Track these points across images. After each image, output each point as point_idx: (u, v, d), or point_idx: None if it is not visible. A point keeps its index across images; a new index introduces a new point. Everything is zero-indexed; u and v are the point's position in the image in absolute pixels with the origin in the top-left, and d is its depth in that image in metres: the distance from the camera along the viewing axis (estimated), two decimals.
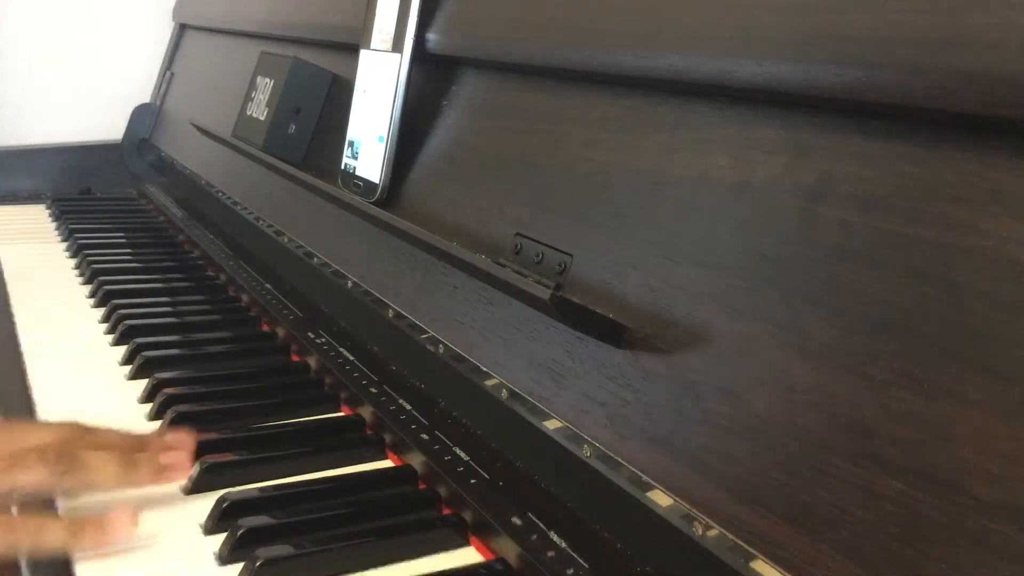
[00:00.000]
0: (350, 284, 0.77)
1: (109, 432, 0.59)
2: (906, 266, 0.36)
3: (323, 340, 0.80)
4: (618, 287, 0.49)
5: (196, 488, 0.58)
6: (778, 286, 0.41)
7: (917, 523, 0.33)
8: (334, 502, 0.57)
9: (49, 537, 0.51)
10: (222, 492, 0.56)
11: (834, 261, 0.39)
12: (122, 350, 0.80)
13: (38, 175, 1.44)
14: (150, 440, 0.60)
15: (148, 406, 0.70)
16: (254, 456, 0.62)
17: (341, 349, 0.78)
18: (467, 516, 0.55)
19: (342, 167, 0.76)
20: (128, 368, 0.77)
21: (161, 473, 0.57)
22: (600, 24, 0.53)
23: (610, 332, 0.47)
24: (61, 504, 0.56)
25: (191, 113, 1.27)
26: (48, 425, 0.58)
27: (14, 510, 0.53)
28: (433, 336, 0.63)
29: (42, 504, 0.56)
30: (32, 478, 0.53)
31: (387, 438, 0.65)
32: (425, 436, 0.63)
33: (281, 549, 0.50)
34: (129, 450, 0.57)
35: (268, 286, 0.95)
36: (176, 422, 0.66)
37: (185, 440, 0.60)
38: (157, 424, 0.67)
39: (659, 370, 0.45)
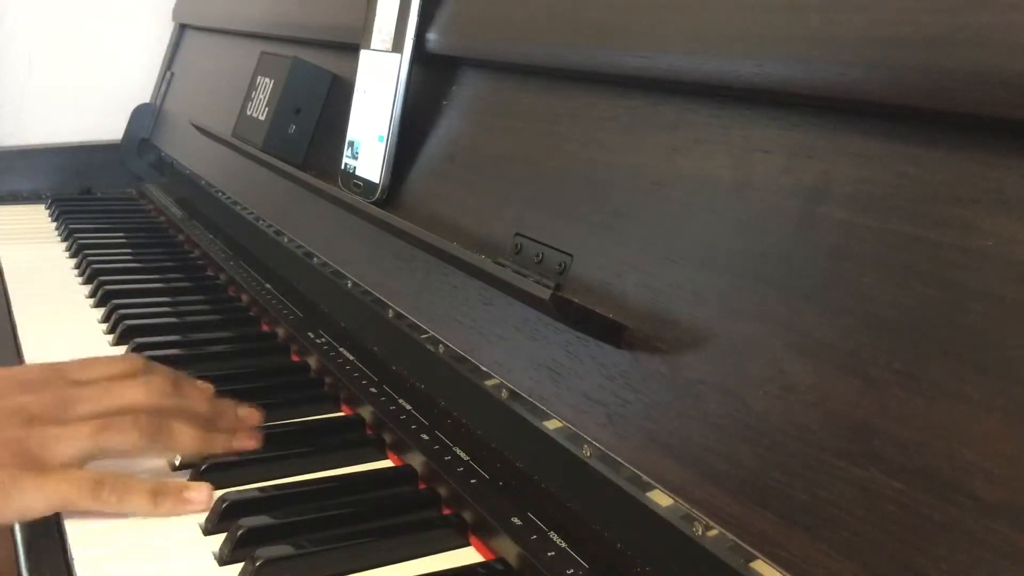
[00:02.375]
0: (350, 284, 0.77)
1: (193, 392, 0.62)
2: (906, 266, 0.36)
3: (323, 340, 0.80)
4: (618, 287, 0.49)
5: None
6: (778, 286, 0.41)
7: (917, 523, 0.33)
8: (334, 502, 0.57)
9: (132, 500, 0.54)
10: (222, 492, 0.56)
11: (834, 261, 0.39)
12: (122, 350, 0.80)
13: (38, 175, 1.44)
14: (225, 409, 0.63)
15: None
16: (254, 456, 0.62)
17: (341, 349, 0.78)
18: (467, 516, 0.55)
19: (342, 167, 0.76)
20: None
21: (232, 447, 0.60)
22: (600, 24, 0.53)
23: (610, 332, 0.47)
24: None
25: (191, 113, 1.27)
26: (143, 380, 0.60)
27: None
28: (433, 336, 0.63)
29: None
30: (123, 443, 0.55)
31: (387, 438, 0.65)
32: (425, 436, 0.63)
33: (281, 549, 0.50)
34: (209, 417, 0.61)
35: (268, 286, 0.95)
36: None
37: (255, 416, 0.64)
38: None
39: (659, 370, 0.45)
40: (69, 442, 0.54)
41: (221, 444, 0.60)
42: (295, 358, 0.82)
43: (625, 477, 0.47)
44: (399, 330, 0.69)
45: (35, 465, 0.52)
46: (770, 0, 0.43)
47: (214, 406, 0.63)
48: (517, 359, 0.55)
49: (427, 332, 0.64)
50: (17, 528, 0.55)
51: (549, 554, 0.50)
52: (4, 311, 0.91)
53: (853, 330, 0.37)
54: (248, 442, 0.61)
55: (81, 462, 0.54)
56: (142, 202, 1.43)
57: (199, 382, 0.65)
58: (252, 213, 1.01)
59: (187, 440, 0.58)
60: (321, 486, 0.59)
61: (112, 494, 0.53)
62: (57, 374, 0.59)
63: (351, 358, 0.76)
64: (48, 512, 0.52)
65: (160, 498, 0.54)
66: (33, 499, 0.51)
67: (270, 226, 0.95)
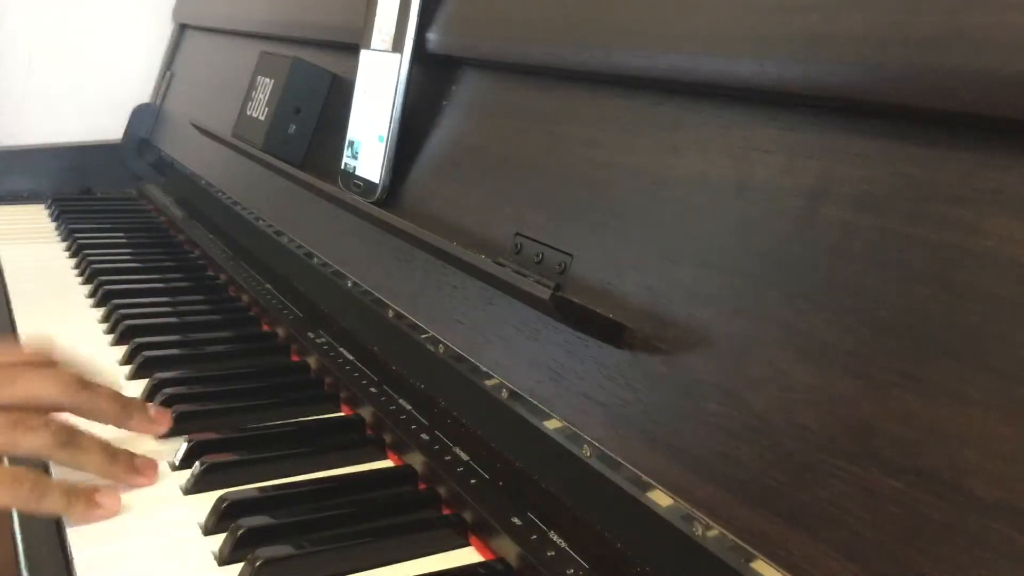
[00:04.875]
0: (350, 284, 0.77)
1: (101, 389, 0.61)
2: (906, 266, 0.36)
3: (323, 340, 0.80)
4: (618, 287, 0.49)
5: (196, 488, 0.58)
6: (778, 286, 0.41)
7: (917, 523, 0.33)
8: (334, 502, 0.57)
9: (49, 499, 0.54)
10: (222, 492, 0.56)
11: (834, 261, 0.39)
12: (122, 350, 0.80)
13: (38, 175, 1.44)
14: (135, 410, 0.63)
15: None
16: (254, 456, 0.62)
17: (341, 349, 0.78)
18: (467, 516, 0.55)
19: (342, 167, 0.76)
20: (128, 368, 0.77)
21: (132, 474, 0.59)
22: (600, 24, 0.53)
23: (610, 332, 0.47)
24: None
25: (191, 113, 1.27)
26: (52, 373, 0.59)
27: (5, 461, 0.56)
28: (433, 336, 0.63)
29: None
30: (33, 444, 0.56)
31: (387, 438, 0.65)
32: (425, 436, 0.63)
33: (281, 549, 0.50)
34: (118, 416, 0.62)
35: (268, 286, 0.95)
36: (176, 422, 0.66)
37: (164, 416, 0.65)
38: None
39: (659, 370, 0.45)
40: None
41: (123, 476, 0.59)
42: (295, 358, 0.82)
43: (625, 477, 0.47)
44: (399, 330, 0.69)
45: None
46: (770, 0, 0.43)
47: (123, 406, 0.63)
48: (517, 359, 0.55)
49: (427, 332, 0.64)
50: (17, 528, 0.55)
51: (549, 554, 0.50)
52: (4, 311, 0.91)
53: (853, 330, 0.37)
54: (148, 470, 0.60)
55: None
56: (142, 202, 1.43)
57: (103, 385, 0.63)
58: (252, 213, 1.01)
59: (94, 458, 0.57)
60: (321, 486, 0.59)
61: (32, 491, 0.54)
62: None
63: (351, 358, 0.76)
64: None
65: (74, 499, 0.55)
66: None
67: (270, 226, 0.95)
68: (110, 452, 0.59)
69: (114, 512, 0.56)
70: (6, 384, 0.57)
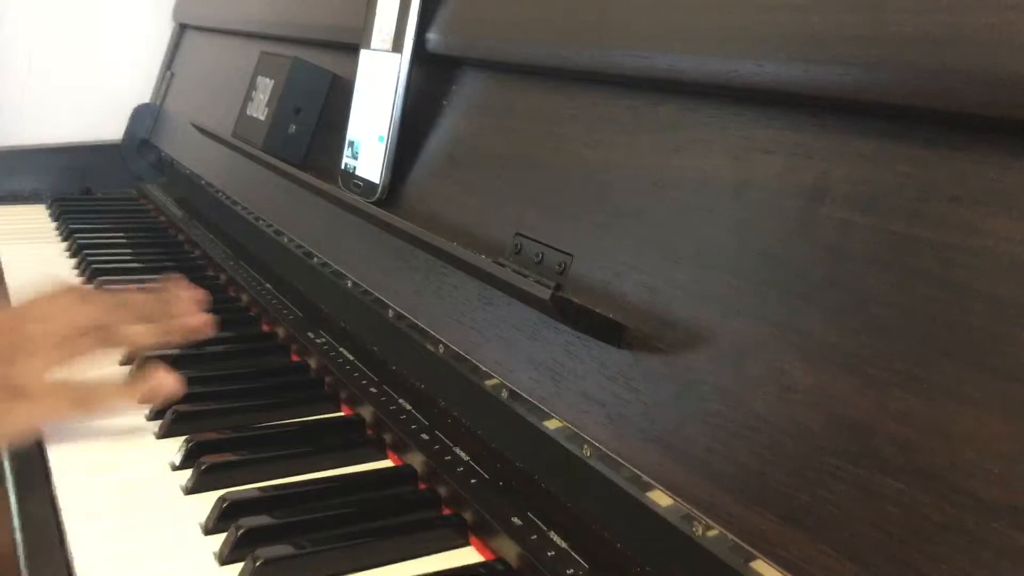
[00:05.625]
0: (350, 284, 0.77)
1: (135, 297, 0.70)
2: (906, 266, 0.36)
3: (323, 340, 0.80)
4: (618, 287, 0.49)
5: (196, 488, 0.58)
6: (778, 286, 0.41)
7: (917, 523, 0.33)
8: (334, 502, 0.57)
9: (113, 396, 0.63)
10: (222, 492, 0.56)
11: (834, 261, 0.39)
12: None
13: (38, 175, 1.44)
14: (170, 297, 0.72)
15: (147, 406, 0.70)
16: (254, 456, 0.62)
17: (341, 349, 0.78)
18: (467, 516, 0.55)
19: (342, 167, 0.76)
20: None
21: (188, 327, 0.70)
22: (600, 24, 0.53)
23: (610, 332, 0.47)
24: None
25: (191, 113, 1.27)
26: (87, 299, 0.69)
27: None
28: (433, 336, 0.63)
29: None
30: (86, 355, 0.65)
31: (387, 438, 0.65)
32: (425, 436, 0.63)
33: (281, 549, 0.50)
34: (158, 311, 0.70)
35: (268, 286, 0.95)
36: (176, 422, 0.66)
37: (199, 294, 0.73)
38: (157, 424, 0.67)
39: (659, 370, 0.45)
40: (42, 369, 0.63)
41: (176, 329, 0.67)
42: (295, 358, 0.82)
43: (625, 477, 0.47)
44: (399, 330, 0.69)
45: (21, 394, 0.61)
46: (770, 0, 0.43)
47: (159, 301, 0.70)
48: (517, 359, 0.55)
49: (427, 332, 0.64)
50: (17, 528, 0.55)
51: (549, 554, 0.50)
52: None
53: (853, 330, 0.37)
54: (198, 320, 0.69)
55: (58, 381, 0.63)
56: (142, 202, 1.43)
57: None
58: (252, 213, 1.01)
59: (142, 335, 0.66)
60: (321, 486, 0.59)
61: (94, 398, 0.62)
62: (16, 319, 0.68)
63: (351, 358, 0.76)
64: (43, 428, 0.62)
65: (137, 384, 0.64)
66: (28, 417, 0.61)
67: (270, 226, 0.95)
68: (156, 327, 0.68)
69: (175, 382, 0.64)
70: (58, 328, 0.64)
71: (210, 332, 0.70)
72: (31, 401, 0.61)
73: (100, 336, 0.66)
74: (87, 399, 0.63)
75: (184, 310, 0.70)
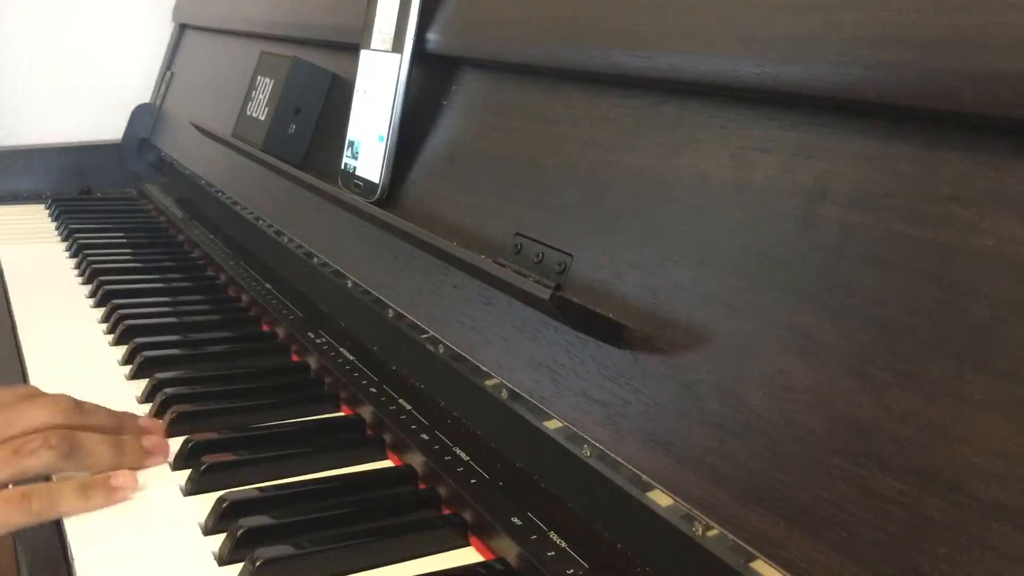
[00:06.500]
0: (350, 284, 0.77)
1: (97, 411, 0.63)
2: (906, 266, 0.36)
3: (323, 340, 0.80)
4: (618, 287, 0.49)
5: (196, 488, 0.58)
6: (778, 286, 0.41)
7: (917, 523, 0.33)
8: (334, 502, 0.57)
9: (64, 502, 0.55)
10: (222, 492, 0.56)
11: (834, 261, 0.39)
12: (122, 350, 0.80)
13: (38, 175, 1.44)
14: (128, 422, 0.64)
15: (148, 406, 0.70)
16: (254, 456, 0.62)
17: (341, 349, 0.78)
18: (467, 516, 0.55)
19: (342, 167, 0.76)
20: (128, 368, 0.77)
21: (145, 457, 0.61)
22: (600, 24, 0.53)
23: (610, 332, 0.47)
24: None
25: (191, 113, 1.27)
26: (42, 401, 0.61)
27: (10, 486, 0.56)
28: (433, 336, 0.63)
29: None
30: (39, 463, 0.56)
31: (387, 438, 0.65)
32: (425, 436, 0.63)
33: (281, 549, 0.50)
34: (114, 431, 0.62)
35: (268, 286, 0.95)
36: (176, 422, 0.66)
37: (157, 424, 0.66)
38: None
39: (659, 370, 0.45)
40: None
41: (134, 457, 0.60)
42: (295, 358, 0.82)
43: (625, 477, 0.47)
44: (399, 330, 0.69)
45: None
46: (770, 0, 0.43)
47: (117, 418, 0.64)
48: (517, 359, 0.55)
49: (427, 332, 0.64)
50: None
51: (549, 554, 0.50)
52: (4, 311, 0.91)
53: (853, 330, 0.37)
54: (160, 447, 0.62)
55: (3, 486, 0.55)
56: (142, 202, 1.43)
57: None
58: (252, 213, 1.01)
59: (101, 452, 0.59)
60: (321, 486, 0.59)
61: (41, 502, 0.54)
62: None
63: (351, 358, 0.76)
64: None
65: (90, 491, 0.56)
66: None
67: (270, 226, 0.95)
68: (116, 444, 0.59)
69: (134, 487, 0.57)
70: (5, 423, 0.58)
71: (165, 459, 0.62)
72: None
73: (56, 441, 0.57)
74: (36, 505, 0.54)
75: (142, 428, 0.64)
